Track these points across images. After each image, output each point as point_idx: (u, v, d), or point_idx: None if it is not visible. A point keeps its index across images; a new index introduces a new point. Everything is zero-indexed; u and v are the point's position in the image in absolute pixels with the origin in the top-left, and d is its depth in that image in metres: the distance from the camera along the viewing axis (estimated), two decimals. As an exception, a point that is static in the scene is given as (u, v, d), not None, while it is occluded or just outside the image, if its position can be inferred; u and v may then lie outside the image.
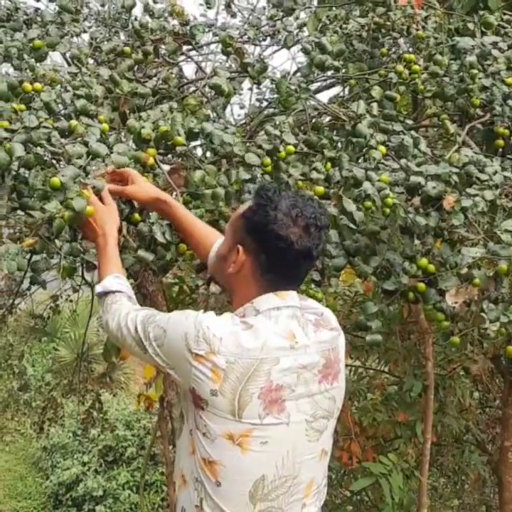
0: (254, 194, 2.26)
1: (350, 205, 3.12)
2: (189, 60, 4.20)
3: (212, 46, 4.23)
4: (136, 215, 2.93)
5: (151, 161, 2.99)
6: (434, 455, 6.65)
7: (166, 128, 3.10)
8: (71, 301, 8.04)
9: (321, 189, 3.25)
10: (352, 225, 3.12)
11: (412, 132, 3.57)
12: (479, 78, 3.82)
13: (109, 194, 2.68)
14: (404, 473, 5.61)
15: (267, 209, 2.13)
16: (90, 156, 2.78)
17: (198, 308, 6.20)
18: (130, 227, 3.00)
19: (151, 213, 2.92)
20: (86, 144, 2.80)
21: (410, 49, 4.12)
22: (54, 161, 2.77)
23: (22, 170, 2.70)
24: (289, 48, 3.95)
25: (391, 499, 5.27)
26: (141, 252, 2.91)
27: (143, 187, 2.76)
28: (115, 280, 2.47)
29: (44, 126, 2.78)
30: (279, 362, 2.05)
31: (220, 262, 2.33)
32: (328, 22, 4.20)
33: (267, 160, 3.21)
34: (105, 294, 2.45)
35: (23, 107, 2.96)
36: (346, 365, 4.02)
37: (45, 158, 2.71)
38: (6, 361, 10.07)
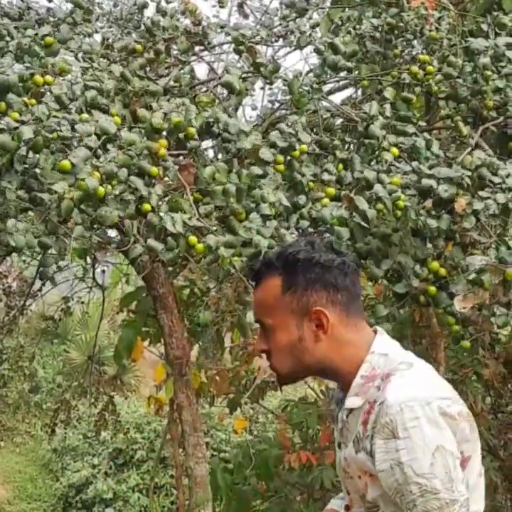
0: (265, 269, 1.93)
1: (363, 204, 3.08)
2: (201, 60, 4.19)
3: (225, 47, 4.23)
4: (146, 205, 2.86)
5: (162, 151, 2.96)
6: (445, 460, 6.58)
7: (179, 119, 3.07)
8: (82, 303, 8.04)
9: (332, 191, 3.24)
10: (364, 224, 3.09)
11: (425, 134, 3.54)
12: (493, 80, 3.79)
13: None
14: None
15: (294, 252, 1.88)
16: (101, 139, 2.77)
17: (209, 311, 6.17)
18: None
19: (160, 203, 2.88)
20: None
21: (423, 50, 4.08)
22: (63, 146, 2.76)
23: (31, 162, 2.69)
24: (301, 48, 3.93)
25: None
26: (150, 242, 2.85)
27: None
28: None
29: (54, 116, 2.77)
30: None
31: (292, 352, 1.86)
32: (340, 23, 4.18)
33: (280, 158, 3.19)
34: None
35: (33, 101, 2.95)
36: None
37: (54, 142, 2.70)
38: (16, 363, 10.05)
